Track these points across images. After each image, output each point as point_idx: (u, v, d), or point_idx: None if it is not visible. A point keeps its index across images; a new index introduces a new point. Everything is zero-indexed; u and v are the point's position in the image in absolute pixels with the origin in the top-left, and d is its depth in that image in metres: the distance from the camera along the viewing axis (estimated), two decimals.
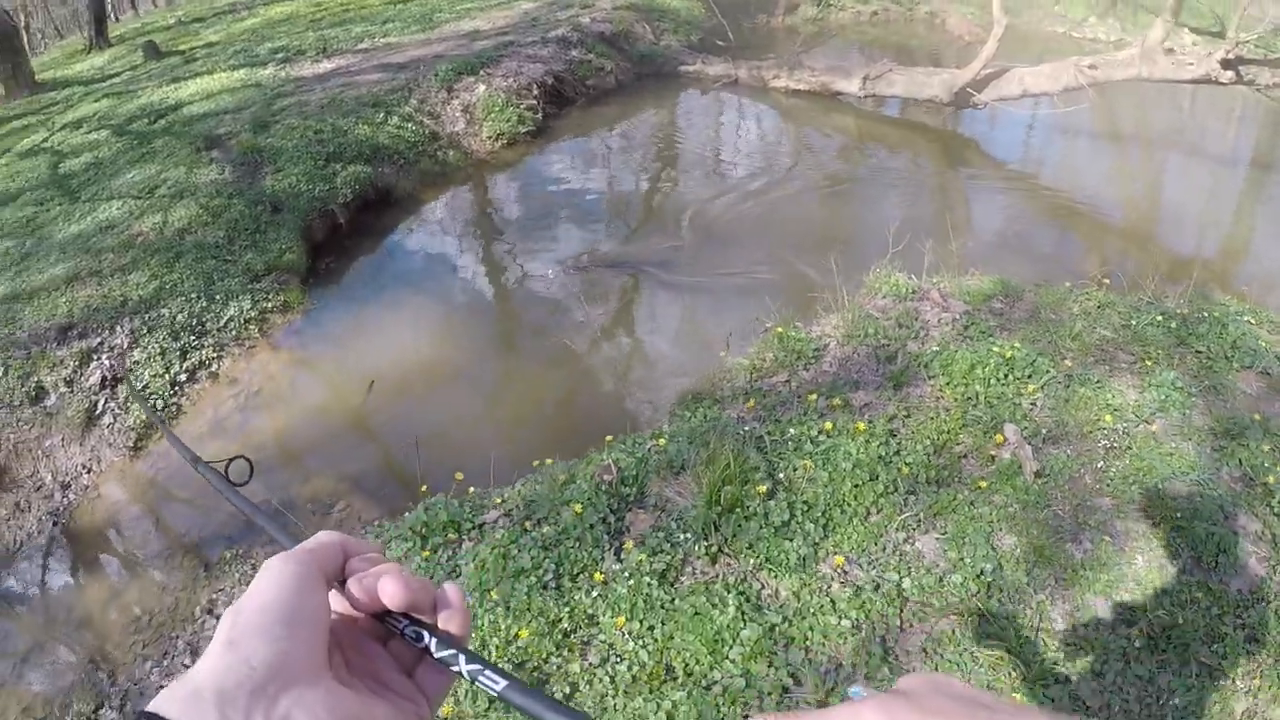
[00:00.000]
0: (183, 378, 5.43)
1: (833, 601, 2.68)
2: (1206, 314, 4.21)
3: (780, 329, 4.24)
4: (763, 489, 2.99)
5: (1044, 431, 3.44)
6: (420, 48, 9.45)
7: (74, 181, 7.96)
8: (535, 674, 2.52)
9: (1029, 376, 3.70)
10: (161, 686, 3.09)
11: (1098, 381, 3.68)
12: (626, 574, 2.78)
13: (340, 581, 0.49)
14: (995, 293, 4.51)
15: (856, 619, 2.61)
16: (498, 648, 2.62)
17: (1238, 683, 2.47)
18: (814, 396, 3.64)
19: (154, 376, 5.36)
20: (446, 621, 0.49)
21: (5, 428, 5.07)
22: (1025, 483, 3.13)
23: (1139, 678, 2.48)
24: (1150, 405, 3.52)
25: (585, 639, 2.64)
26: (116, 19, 19.14)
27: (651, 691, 2.42)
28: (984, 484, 3.12)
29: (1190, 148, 8.22)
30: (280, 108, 8.18)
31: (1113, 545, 2.90)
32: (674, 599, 2.70)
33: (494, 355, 5.63)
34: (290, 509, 4.51)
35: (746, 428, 3.44)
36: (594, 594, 2.75)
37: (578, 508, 3.02)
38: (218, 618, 3.68)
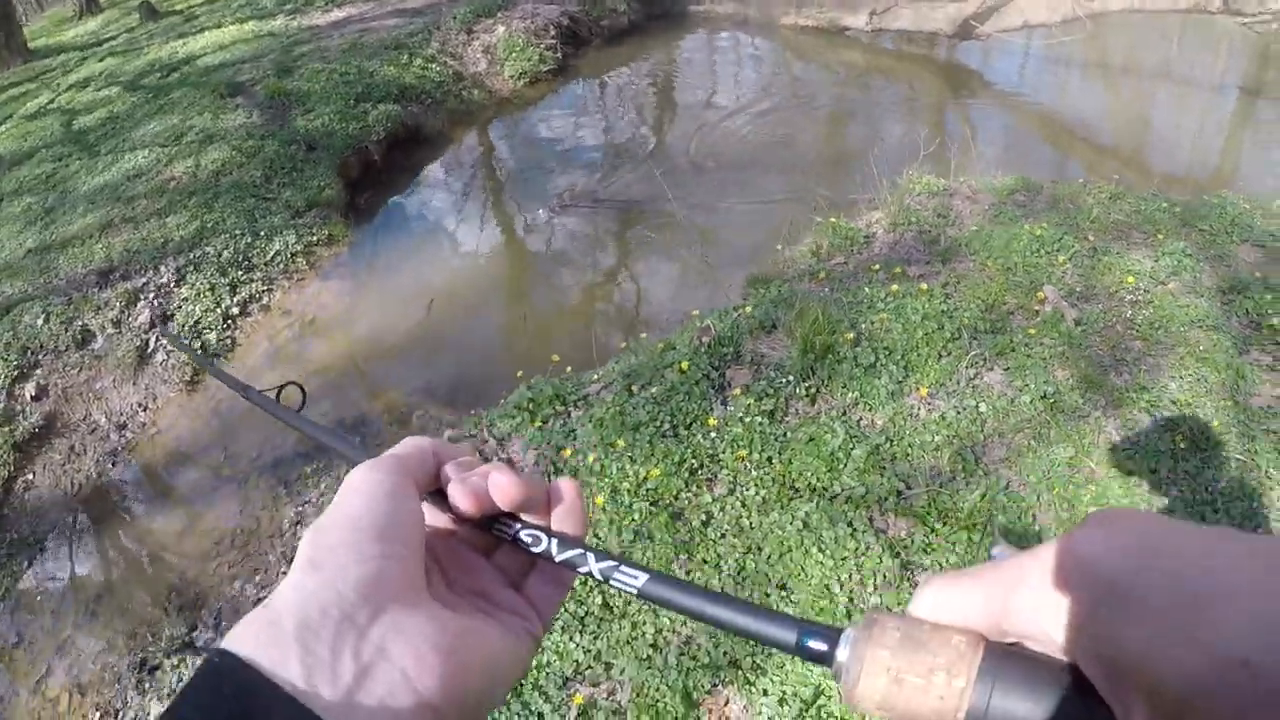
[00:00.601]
0: (235, 311, 5.63)
1: (924, 425, 3.13)
2: (1207, 201, 4.71)
3: (833, 219, 4.67)
4: (849, 336, 3.44)
5: (1077, 291, 3.90)
6: None
7: (91, 136, 8.11)
8: (669, 508, 2.92)
9: (1058, 249, 4.17)
10: (260, 599, 3.45)
11: (1117, 253, 4.15)
12: (738, 416, 3.21)
13: (433, 491, 0.46)
14: (1017, 188, 4.96)
15: (947, 435, 3.07)
16: (629, 489, 2.99)
17: (1269, 472, 2.96)
18: (876, 268, 4.10)
19: (205, 311, 5.55)
20: (562, 520, 0.46)
21: (52, 373, 5.19)
22: (1068, 329, 3.59)
23: (1187, 473, 2.96)
24: (1165, 269, 3.99)
25: (711, 474, 3.04)
26: None
27: (783, 508, 2.83)
28: (1033, 331, 3.58)
29: (1180, 78, 8.70)
30: (300, 54, 8.44)
31: (1148, 375, 3.38)
32: (785, 433, 3.12)
33: (549, 268, 5.92)
34: (365, 424, 4.75)
35: (823, 293, 3.89)
36: (711, 436, 3.15)
37: (684, 364, 3.44)
38: (295, 541, 3.95)
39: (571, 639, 2.53)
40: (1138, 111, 8.01)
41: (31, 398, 5.08)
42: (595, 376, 3.73)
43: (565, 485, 0.46)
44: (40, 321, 5.47)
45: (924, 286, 3.80)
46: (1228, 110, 8.06)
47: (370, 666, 0.35)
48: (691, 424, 3.23)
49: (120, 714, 3.26)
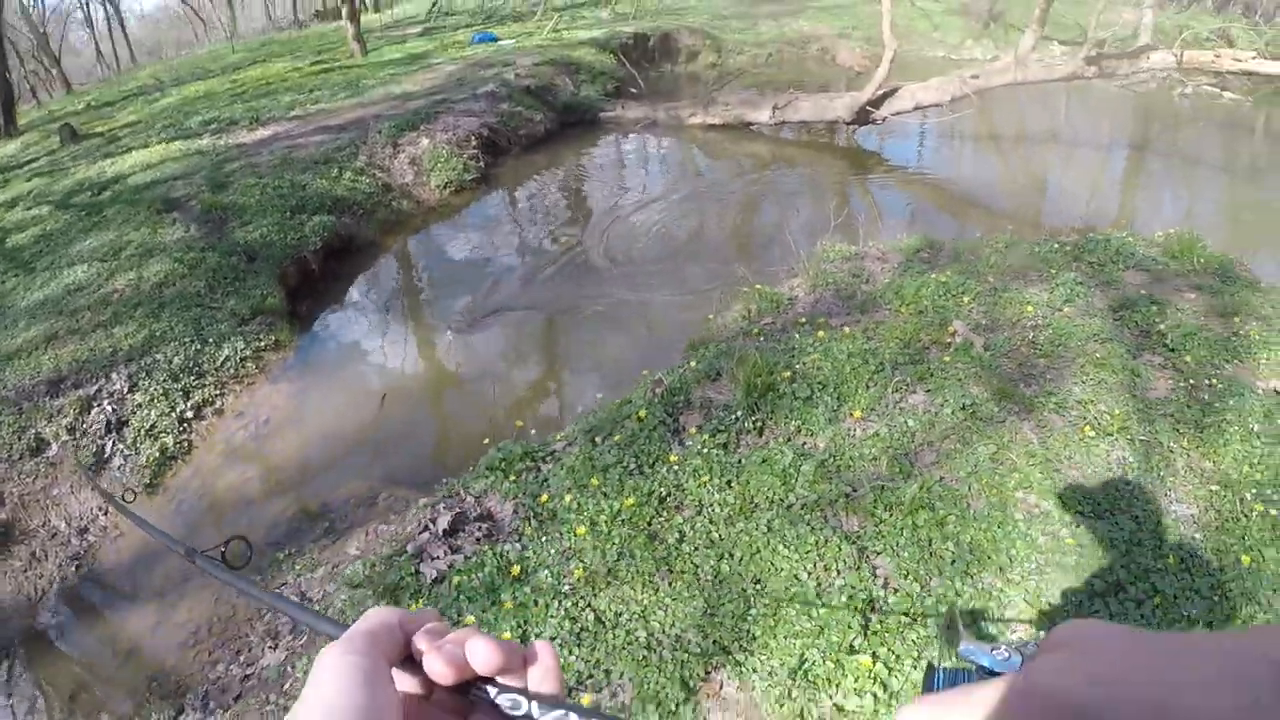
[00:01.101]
0: (189, 415, 5.77)
1: (861, 442, 3.59)
2: (1093, 238, 5.49)
3: (759, 286, 5.23)
4: (786, 374, 3.92)
5: (983, 324, 4.51)
6: (355, 110, 10.33)
7: (25, 254, 8.17)
8: (645, 531, 3.26)
9: (962, 292, 4.81)
10: (246, 678, 3.65)
11: (1016, 289, 4.82)
12: (696, 450, 3.61)
13: (403, 660, 0.46)
14: (921, 246, 5.66)
15: (883, 447, 3.53)
16: (606, 520, 3.33)
17: (1171, 447, 3.51)
18: (802, 321, 4.63)
19: (160, 416, 5.66)
20: (540, 681, 0.46)
21: (6, 481, 5.21)
22: (978, 354, 4.16)
23: (1097, 455, 3.47)
24: (1060, 298, 4.66)
25: (678, 501, 3.41)
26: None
27: (747, 519, 3.22)
28: (947, 359, 4.13)
29: (1069, 141, 9.85)
30: (230, 170, 8.82)
31: (1054, 383, 3.95)
32: (739, 460, 3.54)
33: (496, 360, 6.28)
34: (330, 511, 4.84)
35: (758, 344, 4.38)
36: (674, 470, 3.54)
37: (641, 412, 3.85)
38: (278, 621, 4.09)
39: (571, 652, 2.81)
40: (1031, 175, 9.00)
41: None
42: (559, 435, 4.10)
43: (542, 647, 0.47)
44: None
45: (847, 331, 4.36)
46: (1118, 167, 9.12)
47: None
48: (654, 462, 3.62)
49: None
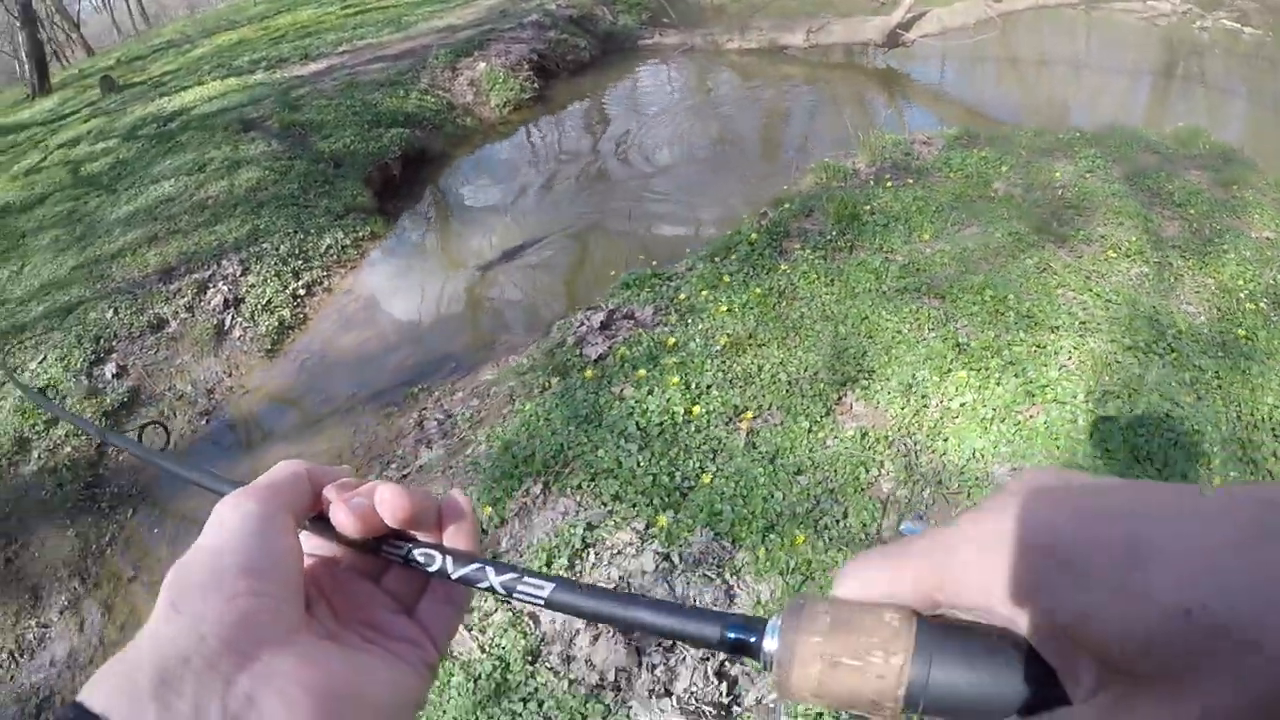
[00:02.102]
0: (301, 291, 6.58)
1: (931, 256, 4.57)
2: (1111, 128, 6.46)
3: (826, 160, 6.19)
4: (867, 208, 4.89)
5: (1019, 185, 5.48)
6: (404, 43, 11.14)
7: (104, 179, 8.90)
8: (773, 312, 4.22)
9: (1000, 163, 5.79)
10: (404, 476, 4.58)
11: (1046, 163, 5.79)
12: (802, 260, 4.59)
13: (313, 518, 0.45)
14: (961, 134, 6.62)
15: (950, 258, 4.52)
16: (740, 306, 4.29)
17: (1179, 266, 4.49)
18: (871, 182, 5.61)
19: (274, 293, 6.47)
20: (454, 535, 0.46)
21: (129, 355, 5.90)
22: (1019, 202, 5.14)
23: (1119, 270, 4.44)
24: (1083, 169, 5.66)
25: (793, 294, 4.42)
26: None
27: (851, 300, 4.21)
28: (993, 202, 5.11)
29: (1093, 68, 10.56)
30: (298, 95, 9.64)
31: (1081, 224, 4.93)
32: (838, 266, 4.54)
33: (584, 229, 7.17)
34: (452, 358, 5.62)
35: (840, 191, 5.36)
36: (786, 274, 4.52)
37: (752, 236, 4.83)
38: (428, 431, 5.00)
39: (727, 393, 3.75)
40: (1054, 100, 9.70)
41: (113, 375, 5.76)
42: (679, 265, 5.03)
43: (459, 498, 0.47)
44: (110, 314, 6.22)
45: (909, 182, 5.32)
46: (1142, 94, 9.80)
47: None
48: (769, 271, 4.61)
49: None
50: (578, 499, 3.33)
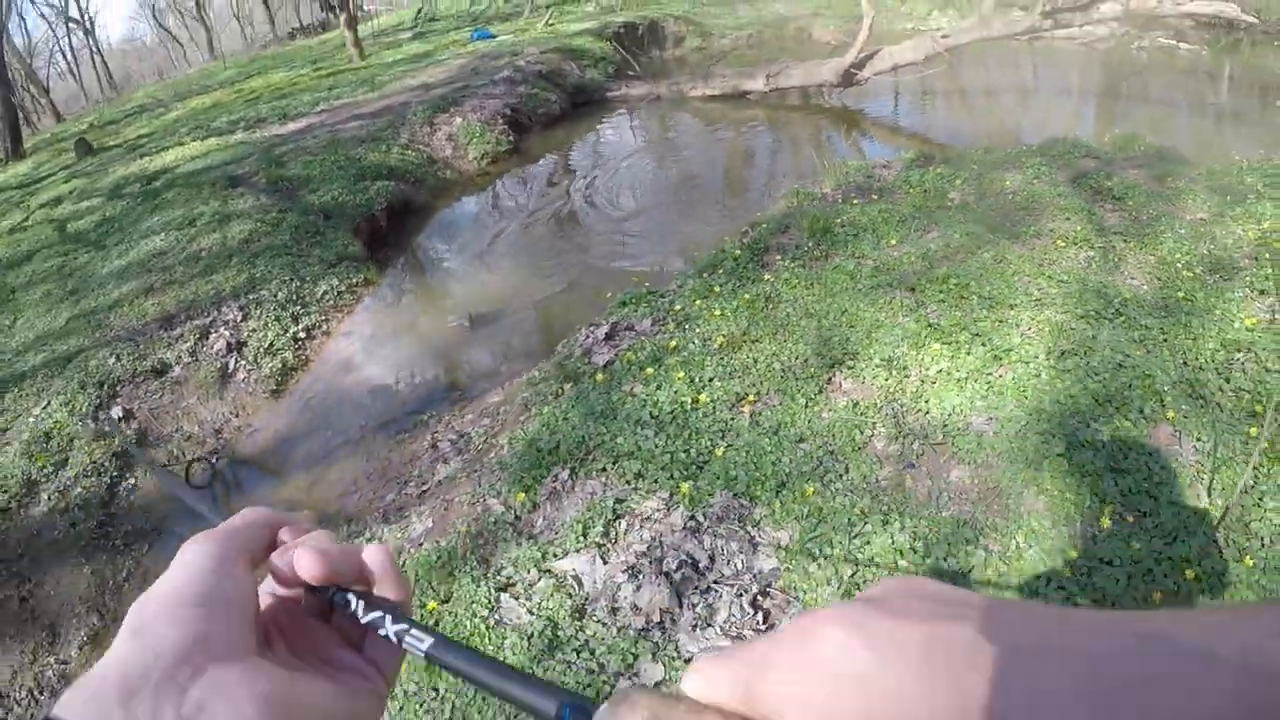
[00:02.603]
0: (301, 335, 6.90)
1: (899, 258, 5.10)
2: (1054, 140, 7.13)
3: (796, 187, 6.76)
4: (838, 221, 5.43)
5: (972, 196, 6.07)
6: (380, 101, 11.74)
7: (90, 235, 9.19)
8: (761, 314, 4.69)
9: (955, 177, 6.40)
10: (422, 495, 4.96)
11: (996, 174, 6.42)
12: (783, 269, 5.09)
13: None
14: (917, 157, 7.27)
15: (915, 258, 5.05)
16: (732, 310, 4.78)
17: (1122, 251, 5.05)
18: (839, 201, 6.17)
19: (275, 337, 6.79)
20: (380, 587, 0.52)
21: (134, 400, 6.08)
22: (974, 209, 5.71)
23: (1066, 256, 5.00)
24: (1030, 176, 6.30)
25: (778, 298, 4.90)
26: None
27: (831, 299, 4.70)
28: (950, 210, 5.68)
29: (1040, 92, 11.41)
30: (282, 152, 10.11)
31: (1031, 221, 5.52)
32: (815, 272, 5.03)
33: (568, 267, 7.61)
34: (457, 388, 5.97)
35: (811, 209, 5.90)
36: (769, 283, 5.03)
37: (736, 253, 5.36)
38: (442, 450, 5.34)
39: (727, 384, 4.19)
40: (1003, 124, 10.41)
41: (119, 419, 5.87)
42: (671, 284, 5.50)
43: (375, 554, 0.52)
44: (112, 361, 6.40)
45: (874, 199, 5.89)
46: (1089, 114, 10.51)
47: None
48: (754, 281, 5.09)
49: None
50: (603, 480, 3.72)
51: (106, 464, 5.54)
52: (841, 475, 3.47)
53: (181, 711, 0.39)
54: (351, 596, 0.50)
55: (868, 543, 3.14)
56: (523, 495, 3.75)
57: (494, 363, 6.39)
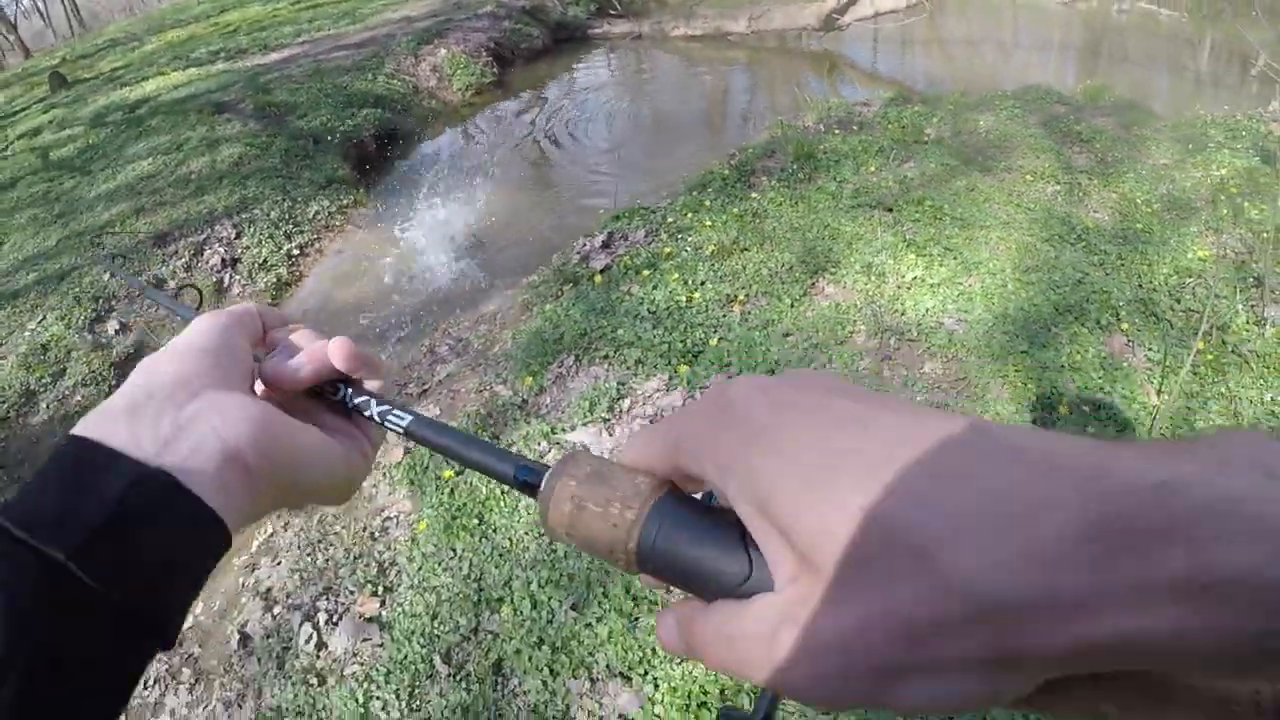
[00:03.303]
0: (295, 252, 7.07)
1: (877, 182, 5.45)
2: (1028, 88, 7.48)
3: (780, 120, 7.06)
4: (821, 147, 5.74)
5: (947, 133, 6.41)
6: (363, 33, 11.75)
7: (75, 161, 9.13)
8: (749, 227, 5.01)
9: (931, 115, 6.74)
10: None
11: (971, 115, 6.75)
12: (768, 190, 5.39)
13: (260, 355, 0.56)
14: (895, 97, 7.58)
15: (893, 183, 5.40)
16: (722, 222, 5.10)
17: (1089, 188, 5.43)
18: (822, 131, 6.48)
19: (270, 253, 6.97)
20: (361, 371, 0.57)
21: (129, 313, 6.25)
22: (949, 143, 6.05)
23: (1037, 189, 5.37)
24: (1004, 117, 6.63)
25: (765, 214, 5.22)
26: None
27: (815, 215, 5.03)
28: (926, 144, 6.01)
29: (1021, 47, 11.64)
30: (267, 80, 10.12)
31: (1003, 157, 5.87)
32: (800, 192, 5.35)
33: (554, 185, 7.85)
34: (451, 302, 6.03)
35: (797, 136, 6.21)
36: (756, 200, 5.33)
37: (725, 173, 5.64)
38: (440, 354, 5.63)
39: (718, 286, 4.51)
40: (982, 76, 10.74)
41: (115, 332, 6.07)
42: (662, 201, 5.79)
43: (342, 344, 0.56)
44: (106, 276, 6.51)
45: (855, 130, 6.20)
46: (1069, 73, 10.63)
47: (184, 426, 0.44)
48: (742, 199, 5.40)
49: None
50: (606, 366, 4.05)
51: (105, 373, 5.72)
52: (825, 365, 3.83)
53: (179, 419, 0.45)
54: (339, 384, 0.57)
55: None
56: (530, 379, 4.06)
57: (490, 275, 6.62)
